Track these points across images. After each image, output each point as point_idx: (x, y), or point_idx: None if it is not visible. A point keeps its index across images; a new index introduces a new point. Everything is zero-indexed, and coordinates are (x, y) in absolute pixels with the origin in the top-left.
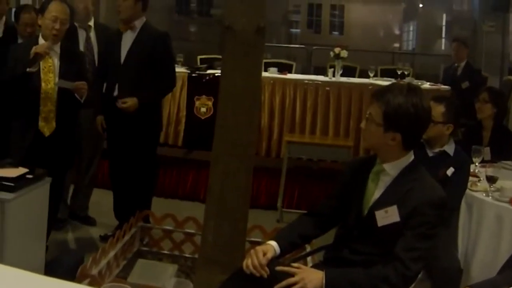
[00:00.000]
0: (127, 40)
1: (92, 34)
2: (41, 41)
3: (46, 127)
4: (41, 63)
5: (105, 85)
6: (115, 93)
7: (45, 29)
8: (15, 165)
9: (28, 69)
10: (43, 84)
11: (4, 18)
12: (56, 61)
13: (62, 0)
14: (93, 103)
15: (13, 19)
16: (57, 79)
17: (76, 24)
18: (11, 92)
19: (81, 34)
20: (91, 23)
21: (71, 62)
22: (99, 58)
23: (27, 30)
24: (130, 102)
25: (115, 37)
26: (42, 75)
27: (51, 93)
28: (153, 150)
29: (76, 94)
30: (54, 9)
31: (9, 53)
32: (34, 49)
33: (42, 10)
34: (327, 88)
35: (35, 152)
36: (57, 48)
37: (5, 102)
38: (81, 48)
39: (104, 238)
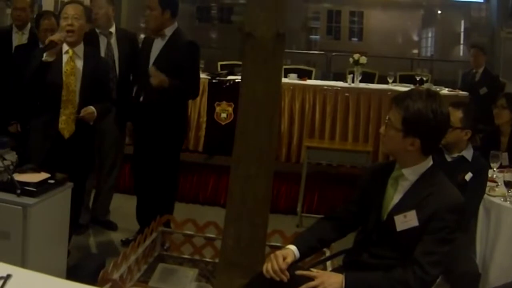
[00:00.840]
0: (157, 47)
1: (113, 40)
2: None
3: (66, 130)
4: (63, 65)
5: (134, 90)
6: (142, 98)
7: (61, 30)
8: (37, 170)
9: (44, 57)
10: (64, 86)
11: (29, 25)
12: (79, 65)
13: (76, 1)
14: (113, 108)
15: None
16: (79, 83)
17: (97, 30)
18: (32, 91)
19: (102, 40)
20: (112, 29)
21: (94, 66)
22: (119, 64)
23: (48, 35)
24: (160, 77)
25: (146, 44)
26: (64, 77)
27: (73, 96)
28: (176, 155)
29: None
30: (66, 9)
31: (32, 59)
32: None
33: (59, 15)
34: (347, 94)
35: (54, 154)
36: (80, 51)
37: (27, 103)
38: (102, 54)
39: (125, 243)
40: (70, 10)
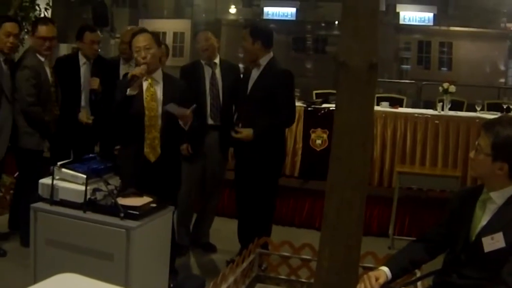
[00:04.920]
0: (253, 76)
1: (217, 71)
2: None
3: (152, 154)
4: (144, 91)
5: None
6: (240, 125)
7: (137, 62)
8: (140, 194)
9: (128, 92)
10: (146, 112)
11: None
12: (158, 90)
13: (142, 31)
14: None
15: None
16: (160, 107)
17: (202, 61)
18: (118, 121)
19: (207, 71)
20: (217, 60)
21: (173, 91)
22: (223, 93)
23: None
24: (245, 132)
25: (246, 73)
26: (145, 104)
27: (155, 121)
28: (275, 180)
29: (180, 121)
30: (136, 42)
31: (116, 90)
32: (131, 72)
33: (129, 45)
34: (436, 121)
35: (143, 179)
36: (158, 77)
37: (112, 131)
38: (207, 84)
39: (229, 263)
40: (140, 41)
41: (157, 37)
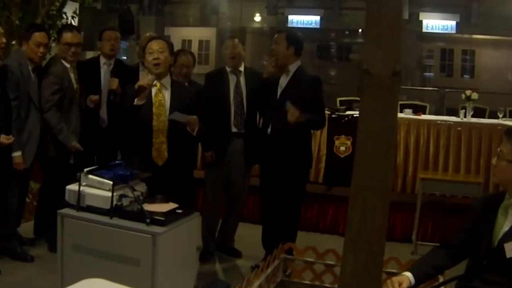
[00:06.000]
0: (282, 82)
1: (242, 78)
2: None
3: (159, 158)
4: (152, 97)
5: (261, 121)
6: (269, 131)
7: (148, 64)
8: (166, 200)
9: (135, 102)
10: (154, 117)
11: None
12: (167, 96)
13: (158, 38)
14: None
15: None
16: (167, 113)
17: (227, 69)
18: (125, 127)
19: (232, 79)
20: (241, 68)
21: (182, 97)
22: (247, 101)
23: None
24: (291, 110)
25: (272, 80)
26: (154, 109)
27: (163, 126)
28: (303, 186)
29: (188, 128)
30: (150, 44)
31: (124, 98)
32: (138, 83)
33: (143, 49)
34: (459, 128)
35: (153, 183)
36: (167, 83)
37: (120, 137)
38: (231, 92)
39: (254, 269)
40: (155, 45)
41: (171, 46)
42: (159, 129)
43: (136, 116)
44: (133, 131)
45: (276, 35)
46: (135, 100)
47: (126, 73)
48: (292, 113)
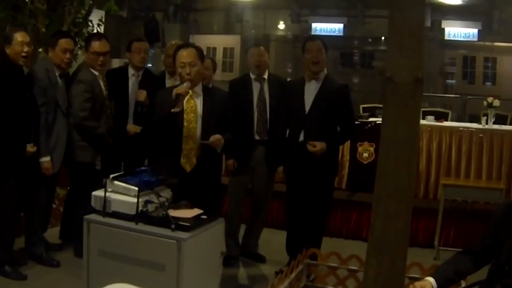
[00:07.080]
0: (311, 89)
1: (266, 86)
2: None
3: (188, 164)
4: (184, 103)
5: (288, 131)
6: (301, 138)
7: (181, 77)
8: (191, 206)
9: (172, 110)
10: (185, 124)
11: None
12: (198, 103)
13: (187, 46)
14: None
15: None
16: (199, 120)
17: (251, 75)
18: (157, 133)
19: (255, 86)
20: (265, 75)
21: (213, 103)
22: (270, 107)
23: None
24: (319, 146)
25: (297, 85)
26: (185, 115)
27: (193, 132)
28: (331, 193)
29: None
30: (180, 56)
31: (156, 98)
32: (175, 91)
33: (174, 58)
34: (481, 135)
35: (180, 189)
36: (199, 90)
37: (149, 143)
38: (255, 98)
39: (278, 274)
40: (185, 57)
41: (201, 53)
42: (189, 135)
43: (171, 123)
44: (163, 137)
45: (313, 41)
46: (173, 107)
47: (154, 84)
48: (321, 149)
